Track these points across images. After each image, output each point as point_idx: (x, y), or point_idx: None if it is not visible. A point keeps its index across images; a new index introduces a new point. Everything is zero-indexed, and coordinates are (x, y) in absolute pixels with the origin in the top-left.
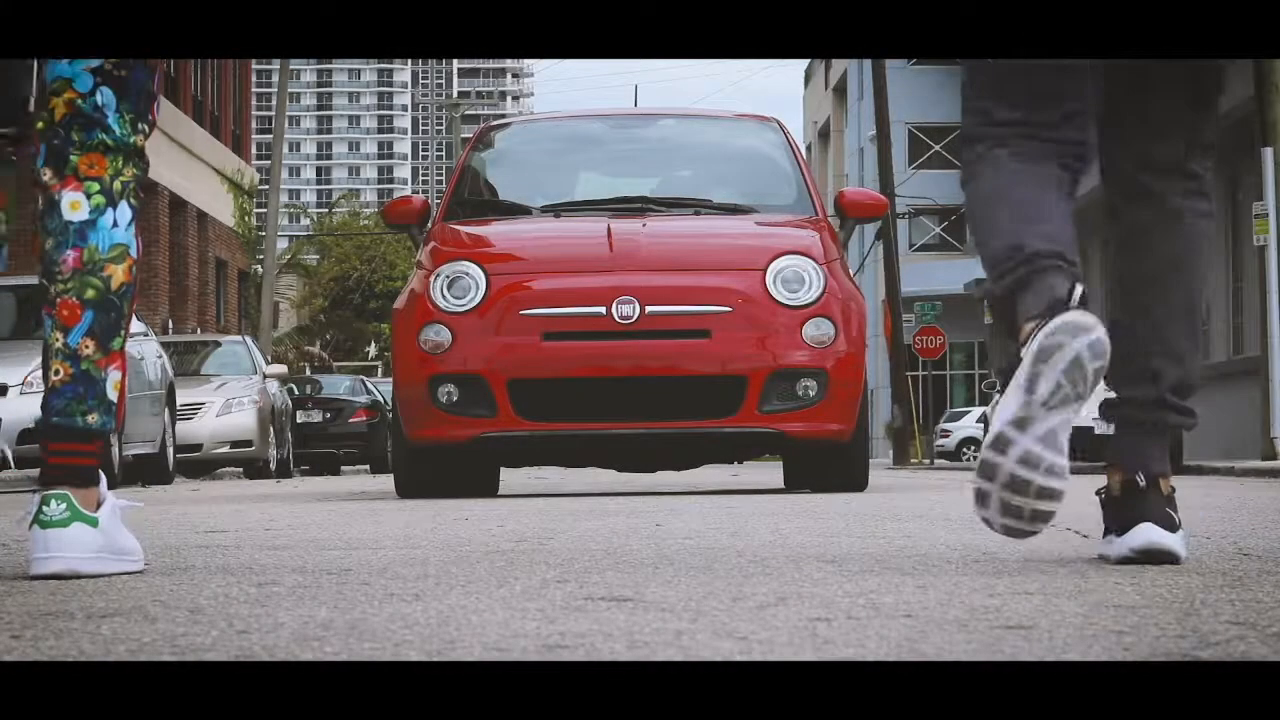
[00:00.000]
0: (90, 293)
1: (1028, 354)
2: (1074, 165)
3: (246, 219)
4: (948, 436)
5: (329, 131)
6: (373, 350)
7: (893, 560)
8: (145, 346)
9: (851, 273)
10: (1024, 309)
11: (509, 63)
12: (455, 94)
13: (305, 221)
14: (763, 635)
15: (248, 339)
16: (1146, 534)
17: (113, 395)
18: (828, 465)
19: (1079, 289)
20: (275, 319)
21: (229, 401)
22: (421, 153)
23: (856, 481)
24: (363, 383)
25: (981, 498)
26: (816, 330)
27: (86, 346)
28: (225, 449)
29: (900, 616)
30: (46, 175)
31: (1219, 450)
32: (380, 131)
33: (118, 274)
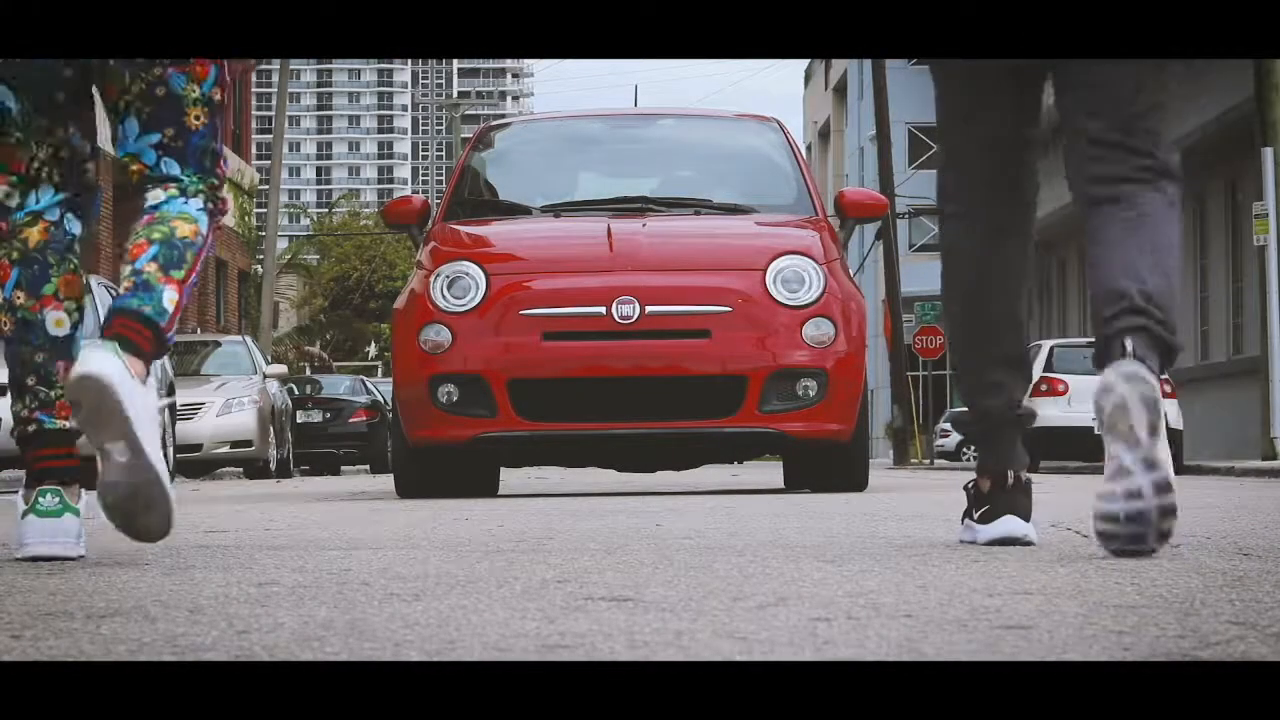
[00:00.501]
0: (157, 234)
1: (980, 533)
2: (1029, 224)
3: (246, 219)
4: (948, 436)
5: (329, 131)
6: (373, 350)
7: (893, 560)
8: None
9: (851, 273)
10: (981, 457)
11: (509, 63)
12: (455, 94)
13: (305, 221)
14: (763, 635)
15: (248, 339)
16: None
17: (168, 306)
18: (828, 465)
19: (1022, 472)
20: (275, 319)
21: (229, 401)
22: (421, 153)
23: (856, 481)
24: (363, 383)
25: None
26: (816, 330)
27: (149, 267)
28: (225, 449)
29: (900, 616)
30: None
31: (1219, 450)
32: (380, 131)
33: (183, 228)
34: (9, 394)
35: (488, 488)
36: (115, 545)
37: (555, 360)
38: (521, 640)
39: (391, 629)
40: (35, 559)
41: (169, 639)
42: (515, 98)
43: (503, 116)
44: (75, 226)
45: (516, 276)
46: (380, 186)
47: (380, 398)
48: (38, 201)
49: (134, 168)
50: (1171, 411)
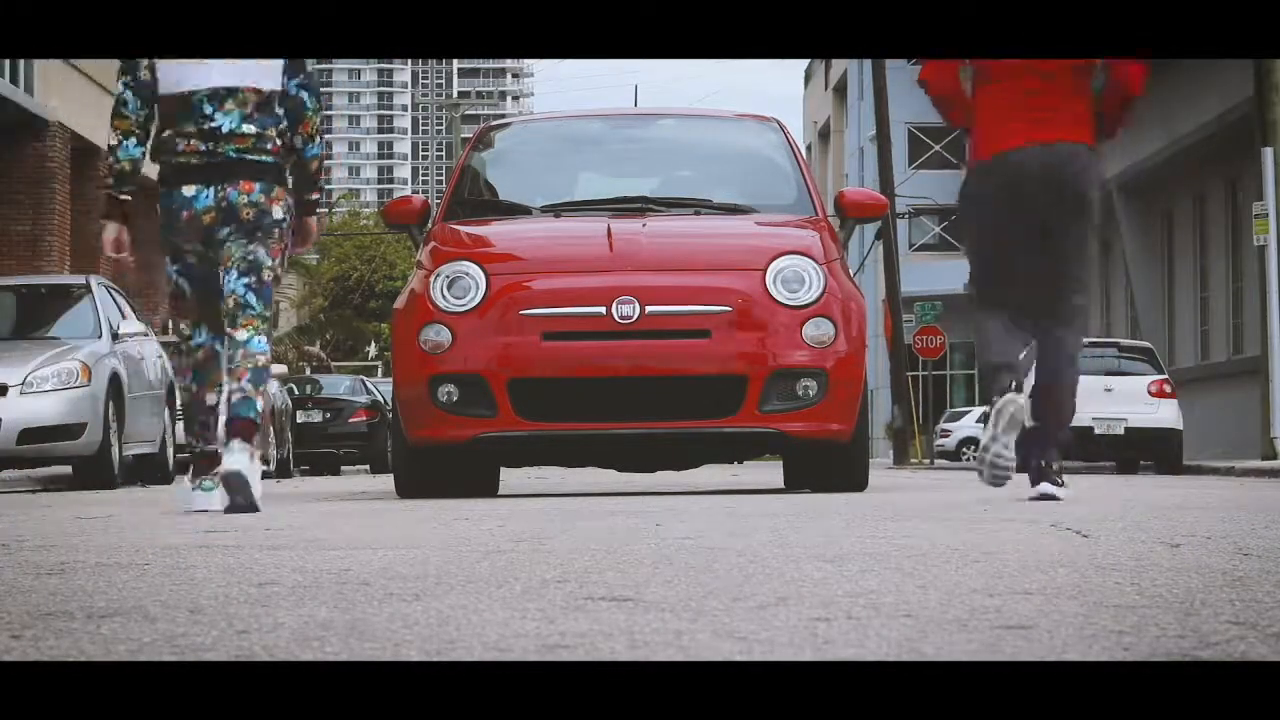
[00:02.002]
0: (250, 365)
1: (992, 410)
2: (1024, 322)
3: None
4: (948, 436)
5: (329, 131)
6: (373, 350)
7: (893, 560)
8: (145, 346)
9: (851, 273)
10: (994, 388)
11: (509, 63)
12: (455, 94)
13: None
14: (763, 635)
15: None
16: (1044, 488)
17: (260, 408)
18: (828, 465)
19: (1013, 383)
20: (275, 319)
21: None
22: (421, 153)
23: (856, 481)
24: (363, 383)
25: (979, 473)
26: (816, 330)
27: (249, 387)
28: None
29: (900, 616)
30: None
31: (1219, 450)
32: (380, 131)
33: (261, 360)
34: (184, 426)
35: (488, 488)
36: (115, 545)
37: (555, 360)
38: (521, 640)
39: (391, 629)
40: (198, 511)
41: (169, 639)
42: (515, 98)
43: (503, 116)
44: (221, 347)
45: (516, 276)
46: (380, 186)
47: (380, 398)
48: (201, 337)
49: (232, 300)
50: (1171, 412)
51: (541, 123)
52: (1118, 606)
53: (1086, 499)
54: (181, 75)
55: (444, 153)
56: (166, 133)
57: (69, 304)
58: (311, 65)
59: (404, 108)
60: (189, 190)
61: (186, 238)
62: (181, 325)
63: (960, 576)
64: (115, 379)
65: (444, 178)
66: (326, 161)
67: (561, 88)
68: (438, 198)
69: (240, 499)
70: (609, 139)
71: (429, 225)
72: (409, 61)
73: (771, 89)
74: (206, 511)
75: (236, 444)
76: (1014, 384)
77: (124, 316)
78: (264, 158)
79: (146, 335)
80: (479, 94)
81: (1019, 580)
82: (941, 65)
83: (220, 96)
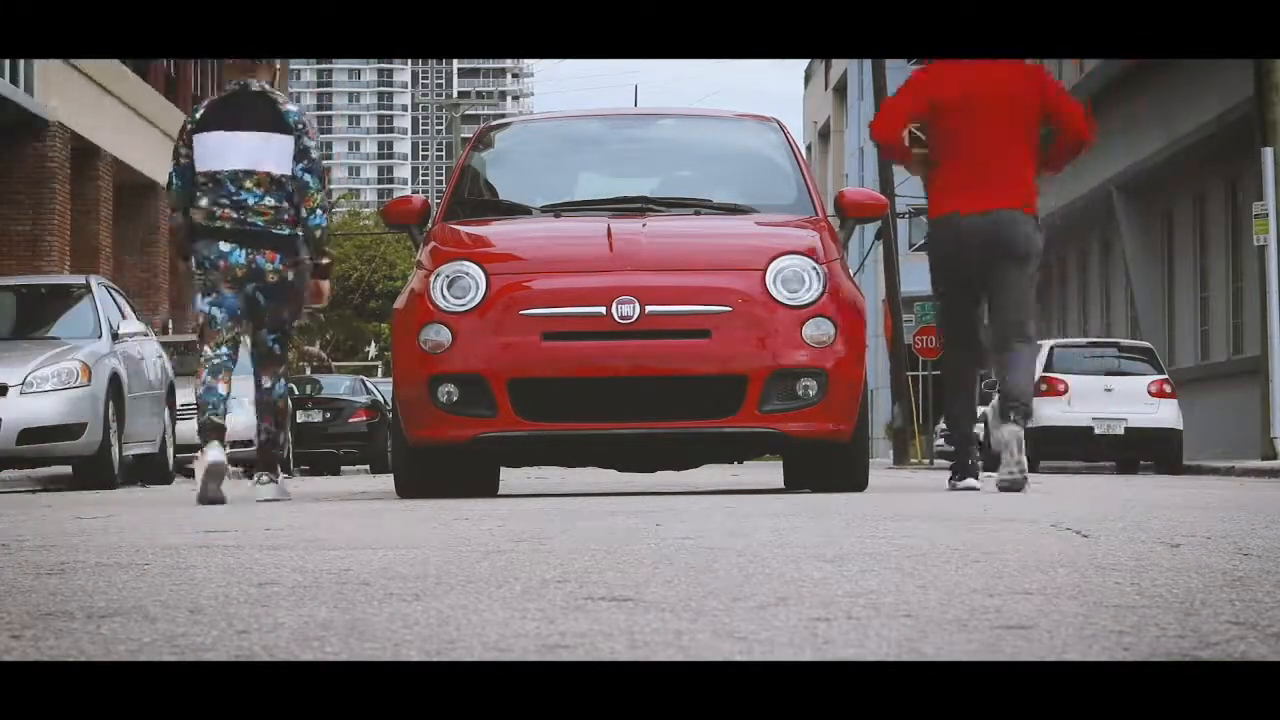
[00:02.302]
0: (272, 411)
1: (1001, 448)
2: (982, 360)
3: None
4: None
5: (329, 131)
6: (373, 350)
7: (893, 560)
8: (145, 346)
9: (851, 273)
10: (967, 447)
11: (509, 63)
12: (455, 94)
13: None
14: (763, 635)
15: (247, 339)
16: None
17: (284, 445)
18: (828, 465)
19: (980, 438)
20: None
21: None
22: (421, 153)
23: (856, 481)
24: (363, 383)
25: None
26: (816, 330)
27: (273, 429)
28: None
29: (900, 616)
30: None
31: (1219, 450)
32: (380, 131)
33: (280, 405)
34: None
35: (488, 488)
36: (115, 545)
37: (555, 360)
38: (521, 640)
39: (391, 629)
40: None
41: (169, 639)
42: (515, 98)
43: (503, 116)
44: (233, 364)
45: (516, 276)
46: (380, 186)
47: (380, 398)
48: (222, 351)
49: (263, 348)
50: (1171, 412)
51: (541, 123)
52: (1118, 606)
53: (1087, 499)
54: (210, 159)
55: (444, 153)
56: (205, 200)
57: (69, 304)
58: (317, 153)
59: (404, 108)
60: (225, 246)
61: (222, 279)
62: (206, 348)
63: (960, 576)
64: (115, 379)
65: (444, 178)
66: (326, 163)
67: (561, 88)
68: (438, 198)
69: (282, 496)
70: (609, 139)
71: (429, 225)
72: (409, 61)
73: (771, 89)
74: (276, 501)
75: (266, 476)
76: (980, 440)
77: (124, 316)
78: (283, 229)
79: (146, 335)
80: (479, 94)
81: (1019, 580)
82: (890, 116)
83: (240, 177)
